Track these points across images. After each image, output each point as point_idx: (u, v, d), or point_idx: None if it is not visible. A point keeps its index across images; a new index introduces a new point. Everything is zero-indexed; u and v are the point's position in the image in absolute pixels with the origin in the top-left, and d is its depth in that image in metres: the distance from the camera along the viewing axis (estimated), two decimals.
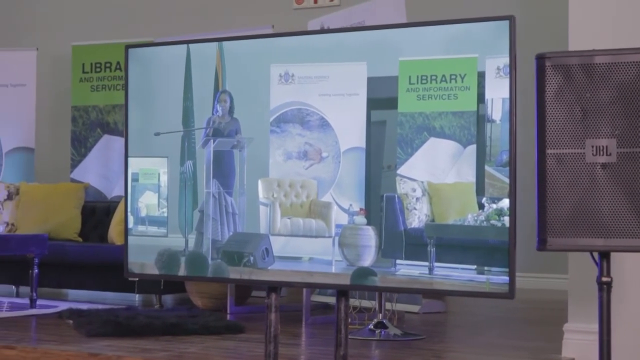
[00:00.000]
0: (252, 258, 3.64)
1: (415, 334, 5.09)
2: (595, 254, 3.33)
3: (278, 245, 3.64)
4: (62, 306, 6.06)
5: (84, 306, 5.94)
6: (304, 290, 5.56)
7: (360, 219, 3.51)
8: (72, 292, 7.28)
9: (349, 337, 4.90)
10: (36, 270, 6.10)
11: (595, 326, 4.21)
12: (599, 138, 3.20)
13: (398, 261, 3.44)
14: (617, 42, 3.69)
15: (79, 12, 9.49)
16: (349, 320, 5.34)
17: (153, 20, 9.09)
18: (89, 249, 6.69)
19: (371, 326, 5.19)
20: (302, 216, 3.62)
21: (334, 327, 3.62)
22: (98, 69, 8.46)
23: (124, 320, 5.08)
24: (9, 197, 7.35)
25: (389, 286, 3.55)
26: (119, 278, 6.44)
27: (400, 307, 5.70)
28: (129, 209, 3.92)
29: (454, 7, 7.94)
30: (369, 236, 3.48)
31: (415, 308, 6.12)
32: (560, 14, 4.29)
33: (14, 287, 7.26)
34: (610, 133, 3.19)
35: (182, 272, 3.80)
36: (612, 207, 3.19)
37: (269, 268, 3.64)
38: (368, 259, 3.48)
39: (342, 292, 3.56)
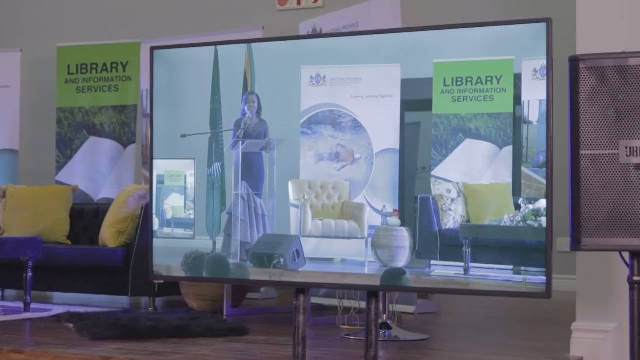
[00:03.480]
0: (282, 260, 3.64)
1: (419, 335, 5.11)
2: (625, 254, 3.37)
3: (309, 246, 3.64)
4: (56, 309, 5.99)
5: (75, 309, 5.88)
6: None
7: (394, 220, 3.53)
8: (59, 295, 7.21)
9: (353, 337, 4.94)
10: (30, 274, 6.03)
11: (603, 325, 4.30)
12: (632, 139, 3.25)
13: (433, 262, 3.46)
14: (625, 45, 3.74)
15: (63, 13, 9.40)
16: (350, 321, 5.37)
17: (139, 22, 9.04)
18: (81, 252, 6.61)
19: None
20: (334, 218, 3.62)
21: (364, 329, 3.62)
22: (84, 71, 8.38)
23: (128, 323, 5.04)
24: None
25: (425, 287, 3.57)
26: (111, 280, 6.45)
27: (396, 307, 5.72)
28: (154, 211, 3.89)
29: (450, 8, 8.00)
30: (403, 237, 3.49)
31: (410, 309, 6.14)
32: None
33: None
34: None
35: (205, 274, 3.79)
36: None
37: (300, 270, 3.64)
38: (402, 260, 3.50)
39: (372, 294, 3.57)
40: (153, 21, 9.00)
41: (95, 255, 6.52)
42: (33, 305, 6.10)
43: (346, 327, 5.33)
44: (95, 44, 8.44)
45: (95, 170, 8.21)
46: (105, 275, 6.46)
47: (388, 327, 5.15)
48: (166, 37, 7.48)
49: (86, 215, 7.32)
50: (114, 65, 8.31)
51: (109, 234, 6.54)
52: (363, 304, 5.80)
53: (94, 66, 8.35)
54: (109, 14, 9.24)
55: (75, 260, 6.56)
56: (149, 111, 7.89)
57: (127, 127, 8.25)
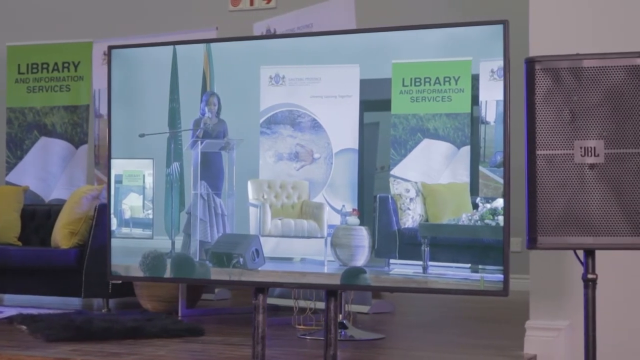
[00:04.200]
0: (241, 259, 3.65)
1: (375, 334, 5.14)
2: (580, 253, 3.43)
3: (269, 246, 3.66)
4: (8, 312, 5.92)
5: (27, 311, 5.82)
6: None
7: (353, 220, 3.55)
8: (10, 297, 7.12)
9: (309, 337, 4.96)
10: None
11: (556, 322, 4.37)
12: (587, 139, 3.31)
13: (392, 261, 3.50)
14: (578, 47, 3.80)
15: (14, 12, 9.28)
16: (305, 321, 5.39)
17: (91, 22, 8.97)
18: (33, 253, 6.54)
19: None
20: (294, 217, 3.64)
21: (320, 330, 3.64)
22: (35, 70, 8.28)
23: (82, 324, 5.00)
24: None
25: (383, 285, 3.60)
26: (64, 282, 6.39)
27: (351, 307, 5.74)
28: (111, 211, 3.88)
29: (404, 9, 8.06)
30: (362, 236, 3.52)
31: (365, 308, 6.17)
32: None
33: None
34: (598, 134, 3.30)
35: (168, 274, 3.78)
36: (600, 206, 3.30)
37: (260, 269, 3.65)
38: (361, 259, 3.53)
39: (331, 293, 3.59)
40: (105, 21, 8.94)
41: (48, 257, 6.46)
42: None
43: (302, 327, 5.35)
44: (46, 43, 8.34)
45: (47, 170, 8.12)
46: (58, 276, 6.40)
47: (344, 327, 5.17)
48: (118, 37, 7.42)
49: (37, 216, 7.24)
50: (66, 64, 8.23)
51: (62, 235, 6.48)
52: (318, 304, 5.82)
53: (44, 66, 8.26)
54: (60, 13, 9.15)
55: (27, 261, 6.49)
56: (101, 111, 7.90)
57: (79, 127, 8.18)
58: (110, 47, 3.89)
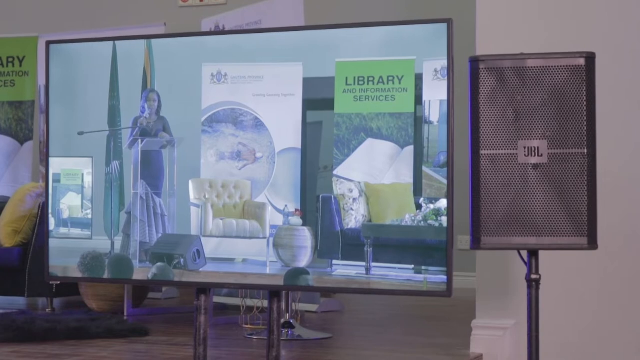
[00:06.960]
0: (182, 260, 3.59)
1: (322, 333, 5.11)
2: (524, 252, 3.42)
3: (210, 246, 3.60)
4: None
5: None
6: None
7: (296, 220, 3.51)
8: None
9: (255, 337, 4.92)
10: None
11: (501, 322, 4.38)
12: (530, 139, 3.30)
13: (334, 261, 3.46)
14: (526, 46, 3.80)
15: None
16: (252, 320, 5.35)
17: (37, 16, 8.83)
18: None
19: None
20: (236, 217, 3.59)
21: (267, 329, 3.60)
22: None
23: (23, 325, 4.91)
24: None
25: (326, 286, 3.57)
26: (7, 281, 6.28)
27: (299, 306, 5.72)
28: (49, 211, 3.79)
29: (351, 7, 8.04)
30: (305, 237, 3.48)
31: (313, 307, 6.14)
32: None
33: None
34: (541, 134, 3.30)
35: (107, 274, 3.71)
36: (544, 207, 3.29)
37: (201, 270, 3.60)
38: (304, 260, 3.48)
39: (274, 293, 3.55)
40: (51, 15, 8.81)
41: None
42: None
43: (249, 326, 5.31)
44: None
45: None
46: (1, 275, 6.31)
47: (291, 326, 5.14)
48: (65, 32, 7.33)
49: None
50: (10, 59, 8.09)
51: (5, 233, 6.38)
52: (266, 303, 5.77)
53: None
54: (4, 7, 9.01)
55: None
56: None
57: (23, 123, 8.05)
58: (49, 43, 3.80)
